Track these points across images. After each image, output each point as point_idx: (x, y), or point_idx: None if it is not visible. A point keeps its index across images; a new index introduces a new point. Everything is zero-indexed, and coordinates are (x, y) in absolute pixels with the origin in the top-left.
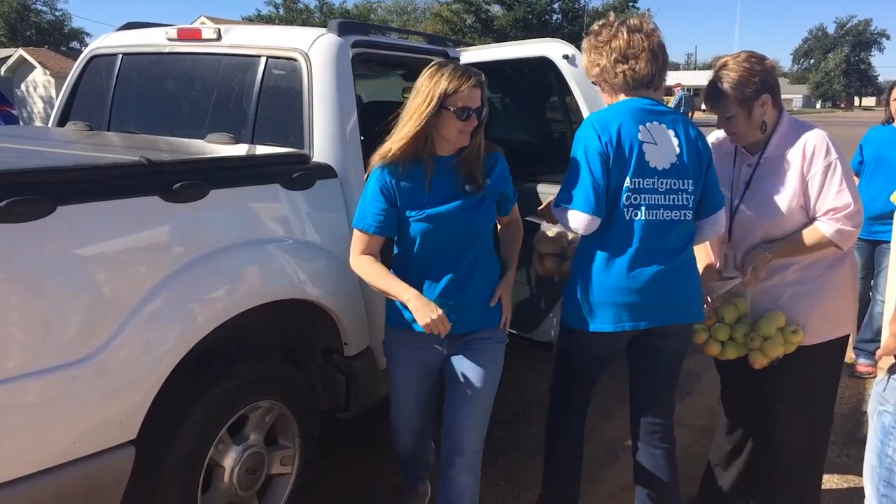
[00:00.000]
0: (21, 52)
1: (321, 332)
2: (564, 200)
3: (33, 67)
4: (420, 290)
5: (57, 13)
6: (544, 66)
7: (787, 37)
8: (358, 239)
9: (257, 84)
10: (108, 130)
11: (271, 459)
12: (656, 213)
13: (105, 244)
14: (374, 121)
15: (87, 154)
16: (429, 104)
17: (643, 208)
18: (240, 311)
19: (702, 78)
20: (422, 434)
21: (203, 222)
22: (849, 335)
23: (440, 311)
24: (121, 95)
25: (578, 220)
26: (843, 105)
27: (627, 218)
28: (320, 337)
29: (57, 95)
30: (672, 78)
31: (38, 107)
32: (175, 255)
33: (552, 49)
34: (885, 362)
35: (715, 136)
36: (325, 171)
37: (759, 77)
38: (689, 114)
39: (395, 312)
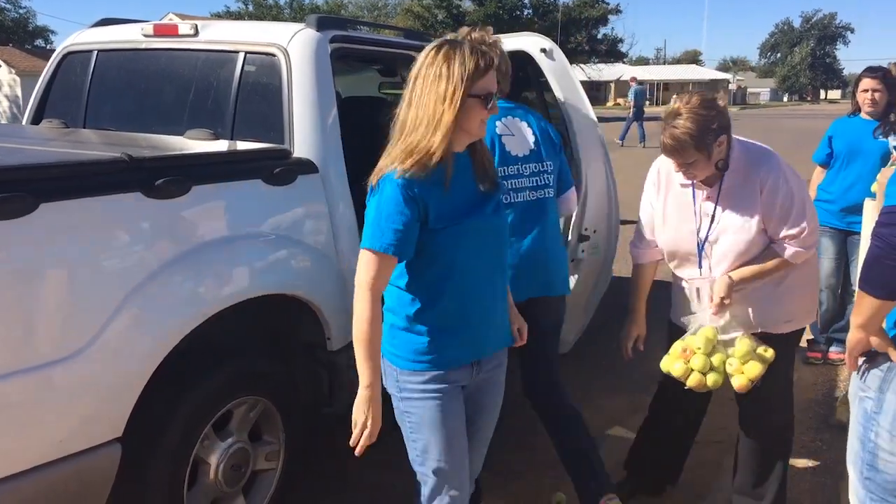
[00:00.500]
0: None
1: (305, 327)
2: None
3: None
4: (447, 323)
5: (21, 11)
6: (522, 60)
7: (755, 30)
8: (371, 263)
9: (236, 80)
10: (84, 128)
11: (256, 455)
12: (523, 195)
13: (87, 241)
14: (352, 116)
15: (67, 151)
16: (461, 89)
17: (511, 192)
18: (223, 306)
19: (671, 72)
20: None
21: (185, 218)
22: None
23: (377, 424)
24: (96, 92)
25: None
26: (809, 98)
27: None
28: (304, 332)
29: (22, 94)
30: (641, 73)
31: (4, 106)
32: (158, 251)
33: (529, 43)
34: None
35: (665, 167)
36: (307, 167)
37: (717, 122)
38: (644, 106)
39: (421, 354)
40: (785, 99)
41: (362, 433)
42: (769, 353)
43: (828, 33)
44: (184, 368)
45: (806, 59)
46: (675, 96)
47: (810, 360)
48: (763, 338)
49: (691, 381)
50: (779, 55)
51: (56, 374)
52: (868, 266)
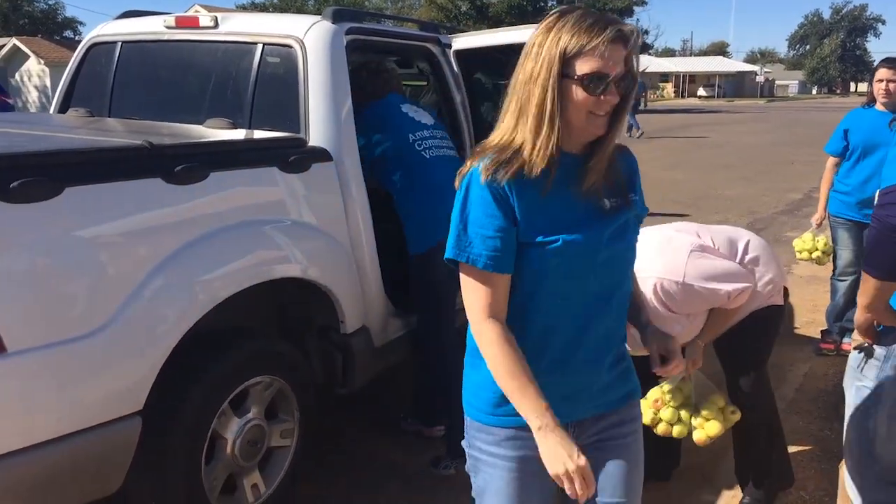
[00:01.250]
0: (15, 41)
1: (319, 310)
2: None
3: (27, 57)
4: (538, 367)
5: (50, 2)
6: None
7: (783, 22)
8: (469, 283)
9: (254, 70)
10: (109, 117)
11: (271, 432)
12: (441, 151)
13: (110, 224)
14: None
15: (91, 138)
16: (548, 69)
17: (431, 148)
18: (239, 289)
19: (698, 64)
20: None
21: (203, 203)
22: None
23: (583, 461)
24: (121, 82)
25: None
26: (838, 90)
27: (424, 155)
28: (318, 315)
29: (51, 84)
30: (667, 64)
31: (33, 96)
32: (176, 234)
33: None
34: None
35: None
36: (321, 155)
37: None
38: (642, 97)
39: (493, 406)
40: (814, 91)
41: (574, 484)
42: (735, 415)
43: (858, 25)
44: (202, 347)
45: (836, 51)
46: None
47: (823, 351)
48: (751, 315)
49: (659, 430)
50: (808, 47)
51: (80, 349)
52: (869, 247)
